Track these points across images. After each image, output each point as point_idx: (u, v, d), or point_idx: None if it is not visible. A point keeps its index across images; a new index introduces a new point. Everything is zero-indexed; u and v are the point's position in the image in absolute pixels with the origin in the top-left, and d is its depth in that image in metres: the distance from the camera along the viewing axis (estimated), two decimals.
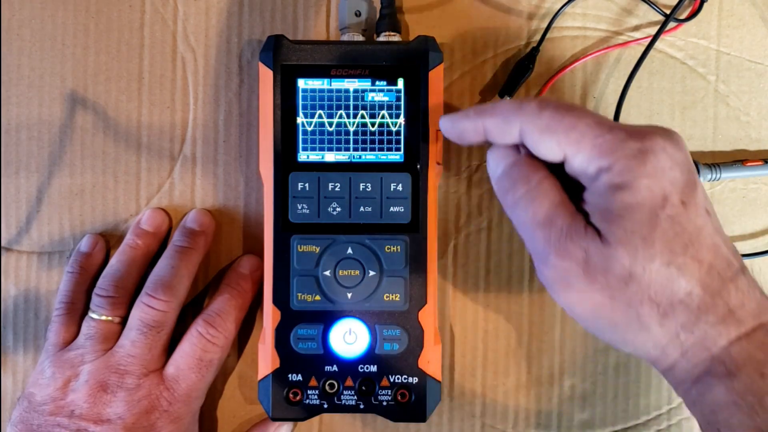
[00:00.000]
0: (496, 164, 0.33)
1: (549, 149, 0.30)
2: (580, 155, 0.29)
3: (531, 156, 0.32)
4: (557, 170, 0.31)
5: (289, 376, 0.37)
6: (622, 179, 0.28)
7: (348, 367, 0.37)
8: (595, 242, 0.29)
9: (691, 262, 0.28)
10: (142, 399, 0.35)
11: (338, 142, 0.37)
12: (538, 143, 0.30)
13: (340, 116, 0.37)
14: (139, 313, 0.36)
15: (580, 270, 0.29)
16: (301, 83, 0.36)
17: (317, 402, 0.37)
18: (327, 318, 0.37)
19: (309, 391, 0.37)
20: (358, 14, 0.39)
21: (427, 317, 0.37)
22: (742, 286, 0.29)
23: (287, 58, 0.36)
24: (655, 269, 0.28)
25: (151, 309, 0.36)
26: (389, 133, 0.37)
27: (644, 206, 0.28)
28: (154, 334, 0.36)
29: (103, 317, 0.37)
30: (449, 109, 0.40)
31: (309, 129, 0.37)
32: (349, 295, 0.37)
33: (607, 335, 0.30)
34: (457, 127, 0.33)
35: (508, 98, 0.39)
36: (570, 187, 0.31)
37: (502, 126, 0.31)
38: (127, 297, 0.38)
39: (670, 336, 0.29)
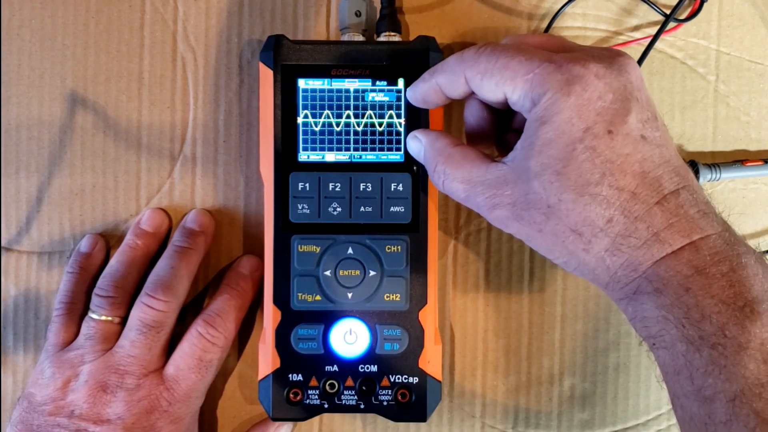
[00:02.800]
0: (416, 150, 0.35)
1: (490, 91, 0.31)
2: (516, 93, 0.30)
3: (435, 136, 0.34)
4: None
5: (290, 376, 0.37)
6: (545, 113, 0.29)
7: (348, 367, 0.37)
8: (516, 184, 0.30)
9: (610, 190, 0.29)
10: (142, 399, 0.35)
11: (338, 142, 0.37)
12: (480, 88, 0.31)
13: (341, 116, 0.37)
14: (138, 313, 0.36)
15: (510, 214, 0.31)
16: (302, 83, 0.36)
17: (317, 402, 0.37)
18: (327, 318, 0.37)
19: (309, 391, 0.37)
20: (358, 14, 0.39)
21: (428, 317, 0.37)
22: (671, 207, 0.29)
23: (287, 58, 0.36)
24: (570, 200, 0.29)
25: (150, 309, 0.36)
26: (389, 133, 0.37)
27: (561, 139, 0.29)
28: (153, 334, 0.36)
29: (103, 317, 0.37)
30: (449, 109, 0.40)
31: (309, 129, 0.37)
32: (350, 295, 0.37)
33: (551, 258, 0.32)
34: (417, 92, 0.35)
35: None
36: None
37: (452, 78, 0.32)
38: (126, 297, 0.38)
39: (597, 260, 0.30)
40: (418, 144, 0.35)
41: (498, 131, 0.35)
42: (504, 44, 0.31)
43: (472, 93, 0.33)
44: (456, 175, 0.32)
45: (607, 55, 0.30)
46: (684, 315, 0.28)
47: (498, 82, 0.30)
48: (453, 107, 0.40)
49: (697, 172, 0.39)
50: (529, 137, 0.30)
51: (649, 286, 0.29)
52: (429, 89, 0.34)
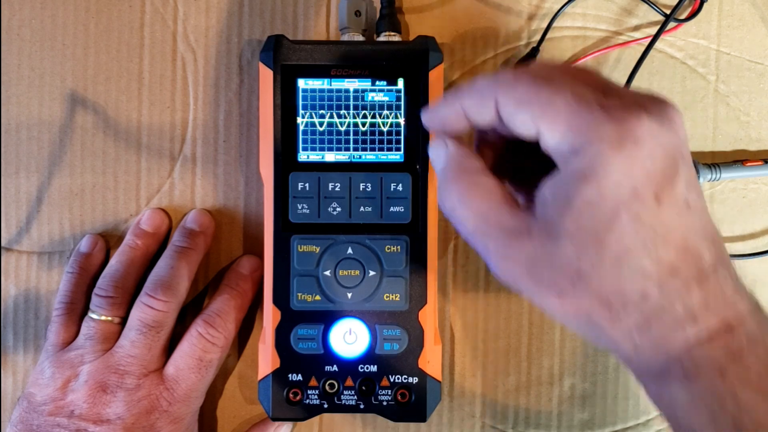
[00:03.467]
0: (437, 156, 0.30)
1: (523, 123, 0.27)
2: (555, 133, 0.26)
3: (465, 153, 0.30)
4: (531, 149, 0.29)
5: (289, 376, 0.37)
6: (590, 168, 0.25)
7: (348, 367, 0.37)
8: (540, 240, 0.26)
9: (650, 263, 0.26)
10: (141, 399, 0.35)
11: (338, 142, 0.37)
12: (513, 116, 0.27)
13: (341, 116, 0.37)
14: (138, 313, 0.36)
15: (524, 271, 0.27)
16: (301, 83, 0.36)
17: (317, 402, 0.37)
18: (327, 318, 0.37)
19: (309, 391, 0.37)
20: (358, 14, 0.39)
21: (427, 317, 0.37)
22: (710, 285, 0.26)
23: (287, 58, 0.36)
24: (606, 269, 0.26)
25: (150, 309, 0.36)
26: (389, 133, 0.37)
27: (606, 202, 0.25)
28: (153, 334, 0.36)
29: (103, 317, 0.37)
30: None
31: (309, 129, 0.37)
32: (350, 295, 0.37)
33: (565, 324, 0.28)
34: (437, 116, 0.31)
35: None
36: (543, 166, 0.28)
37: (481, 102, 0.28)
38: (126, 297, 0.38)
39: (623, 336, 0.27)
40: (442, 151, 0.30)
41: (509, 162, 0.32)
42: (544, 72, 0.27)
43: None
44: (471, 205, 0.28)
45: (657, 107, 0.26)
46: (718, 404, 0.25)
47: (535, 117, 0.26)
48: None
49: (697, 172, 0.39)
50: (565, 192, 0.26)
51: (680, 371, 0.26)
52: (452, 113, 0.30)
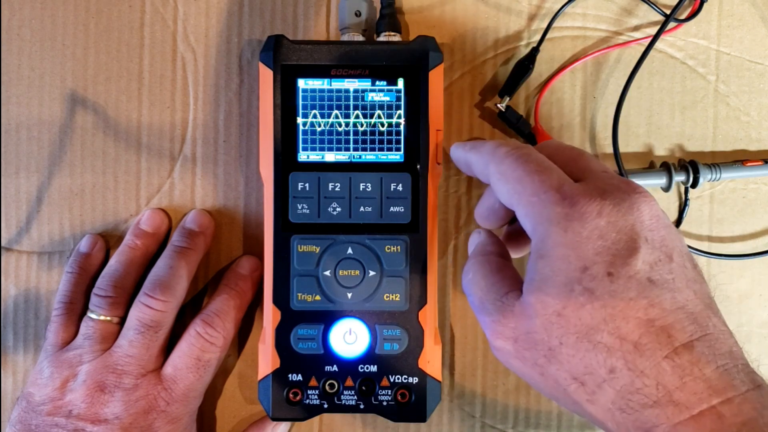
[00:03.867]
0: (471, 243, 0.34)
1: (503, 197, 0.30)
2: (519, 211, 0.29)
3: (494, 238, 0.33)
4: None
5: (289, 376, 0.37)
6: (542, 246, 0.28)
7: (348, 367, 0.37)
8: (521, 318, 0.28)
9: (611, 338, 0.26)
10: (139, 399, 0.35)
11: (338, 142, 0.37)
12: (496, 188, 0.30)
13: (340, 116, 0.37)
14: (137, 313, 0.36)
15: (512, 349, 0.29)
16: (301, 83, 0.36)
17: (317, 402, 0.37)
18: (327, 318, 0.37)
19: (309, 391, 0.37)
20: (358, 14, 0.39)
21: (427, 317, 0.37)
22: (683, 363, 0.25)
23: (287, 58, 0.36)
24: (570, 346, 0.26)
25: (149, 309, 0.36)
26: (389, 133, 0.37)
27: (558, 277, 0.27)
28: (151, 334, 0.36)
29: (102, 317, 0.37)
30: (449, 109, 0.40)
31: (309, 129, 0.37)
32: (349, 295, 0.37)
33: (558, 404, 0.30)
34: (455, 155, 0.35)
35: (508, 98, 0.39)
36: None
37: (480, 164, 0.32)
38: (125, 297, 0.38)
39: (604, 414, 0.27)
40: (475, 238, 0.34)
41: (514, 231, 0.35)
42: (534, 153, 0.30)
43: None
44: (477, 281, 0.31)
45: (621, 190, 0.28)
46: None
47: (509, 192, 0.29)
48: (453, 110, 0.40)
49: (697, 172, 0.39)
50: (530, 270, 0.28)
51: None
52: (463, 159, 0.34)
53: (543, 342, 0.27)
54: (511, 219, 0.34)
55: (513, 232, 0.35)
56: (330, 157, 0.37)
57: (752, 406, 0.25)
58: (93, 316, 0.37)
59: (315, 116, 0.36)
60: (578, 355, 0.26)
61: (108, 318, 0.37)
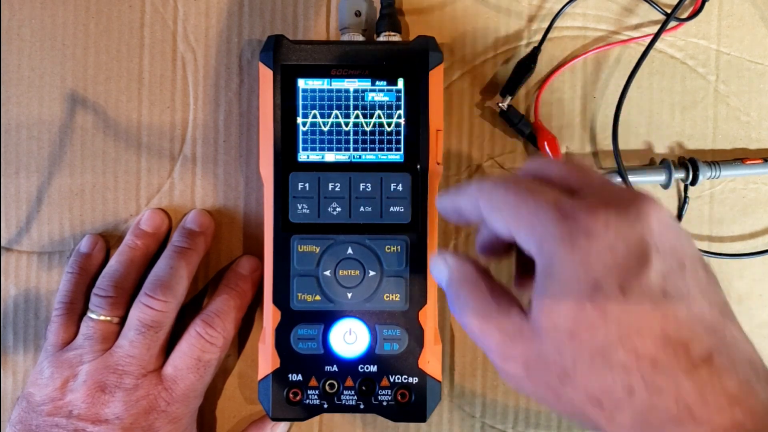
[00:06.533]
0: (439, 273, 0.32)
1: (499, 227, 0.29)
2: (521, 236, 0.28)
3: (462, 261, 0.31)
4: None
5: (289, 376, 0.37)
6: (549, 266, 0.26)
7: (348, 367, 0.37)
8: (531, 340, 0.27)
9: (626, 356, 0.25)
10: (140, 399, 0.35)
11: (338, 142, 0.37)
12: (491, 222, 0.29)
13: (340, 116, 0.37)
14: (137, 313, 0.36)
15: (524, 373, 0.27)
16: (301, 83, 0.36)
17: (317, 402, 0.37)
18: (327, 318, 0.37)
19: (309, 391, 0.37)
20: (358, 14, 0.39)
21: (427, 317, 0.37)
22: (703, 378, 0.24)
23: (287, 58, 0.36)
24: (585, 366, 0.25)
25: (149, 309, 0.36)
26: (389, 133, 0.37)
27: (568, 297, 0.26)
28: (152, 334, 0.36)
29: (102, 317, 0.37)
30: (449, 109, 0.40)
31: (309, 129, 0.37)
32: (349, 295, 0.37)
33: (577, 425, 0.28)
34: (441, 205, 0.33)
35: (510, 97, 0.39)
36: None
37: (469, 203, 0.30)
38: (125, 297, 0.38)
39: None
40: (443, 266, 0.31)
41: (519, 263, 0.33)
42: (521, 178, 0.29)
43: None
44: (474, 307, 0.29)
45: (625, 199, 0.27)
46: None
47: (506, 220, 0.28)
48: (453, 110, 0.40)
49: (696, 170, 0.39)
50: (538, 290, 0.27)
51: None
52: (450, 207, 0.32)
53: (556, 363, 0.26)
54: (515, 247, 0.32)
55: (523, 262, 0.33)
56: (330, 157, 0.37)
57: None
58: (93, 316, 0.37)
59: (315, 116, 0.36)
60: (594, 376, 0.25)
61: (108, 318, 0.37)
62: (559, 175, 0.30)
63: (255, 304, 0.40)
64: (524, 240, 0.28)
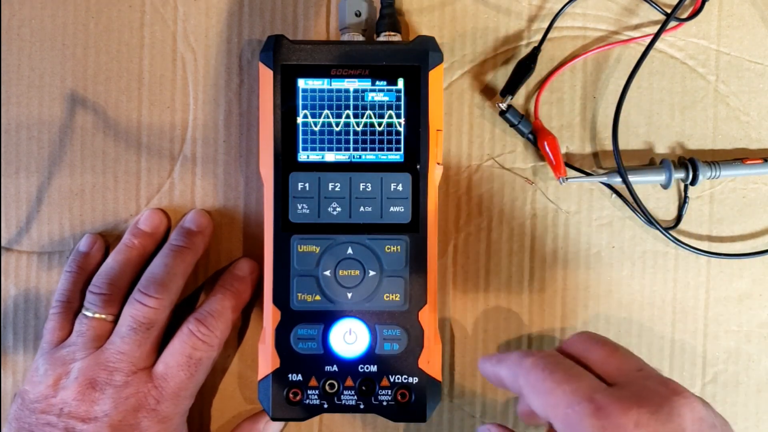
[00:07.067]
0: None
1: (538, 409, 0.30)
2: (555, 423, 0.29)
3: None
4: None
5: (289, 376, 0.37)
6: None
7: (348, 367, 0.37)
8: None
9: None
10: (129, 397, 0.35)
11: (338, 142, 0.37)
12: (529, 401, 0.30)
13: (340, 116, 0.37)
14: (130, 310, 0.36)
15: None
16: (301, 83, 0.36)
17: (317, 402, 0.37)
18: (327, 318, 0.37)
19: (309, 391, 0.37)
20: (358, 14, 0.39)
21: (427, 317, 0.37)
22: None
23: (287, 58, 0.36)
24: None
25: (142, 306, 0.36)
26: (389, 133, 0.37)
27: None
28: (144, 331, 0.36)
29: (96, 315, 0.37)
30: (449, 109, 0.40)
31: (309, 129, 0.37)
32: (349, 295, 0.37)
33: None
34: (485, 371, 0.34)
35: (510, 97, 0.39)
36: None
37: (510, 377, 0.32)
38: (120, 295, 0.38)
39: None
40: None
41: None
42: (561, 358, 0.31)
43: None
44: None
45: (659, 395, 0.28)
46: None
47: (542, 405, 0.29)
48: (453, 110, 0.40)
49: (696, 170, 0.39)
50: None
51: None
52: (492, 374, 0.34)
53: None
54: None
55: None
56: (330, 157, 0.37)
57: None
58: (87, 313, 0.37)
59: (315, 116, 0.36)
60: None
61: (102, 316, 0.37)
62: (599, 360, 0.31)
63: (254, 305, 0.40)
64: (558, 427, 0.29)
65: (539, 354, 0.31)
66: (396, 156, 0.37)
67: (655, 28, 0.39)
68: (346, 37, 0.38)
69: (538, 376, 0.30)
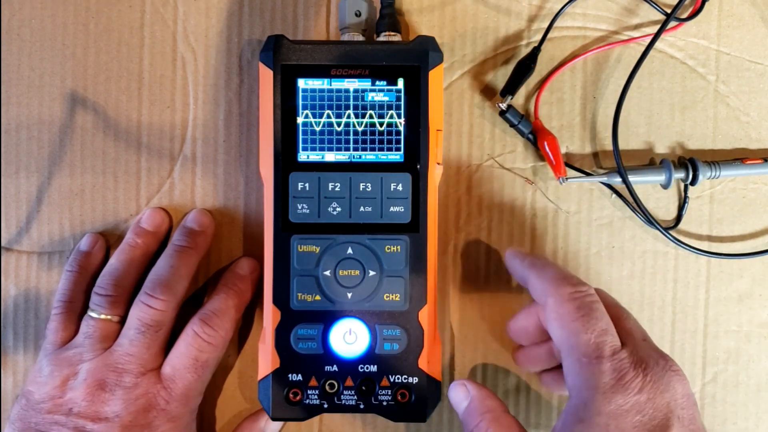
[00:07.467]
0: (458, 400, 0.35)
1: (555, 338, 0.32)
2: (566, 362, 0.31)
3: (486, 394, 0.34)
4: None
5: (289, 376, 0.37)
6: (583, 411, 0.29)
7: (348, 367, 0.37)
8: None
9: None
10: (139, 397, 0.35)
11: (338, 142, 0.37)
12: (549, 326, 0.32)
13: (340, 116, 0.37)
14: (137, 312, 0.36)
15: None
16: (301, 83, 0.36)
17: (317, 402, 0.37)
18: (327, 318, 0.37)
19: (309, 391, 0.37)
20: (358, 14, 0.39)
21: (427, 317, 0.37)
22: None
23: (287, 58, 0.36)
24: None
25: (149, 308, 0.36)
26: (389, 133, 0.37)
27: None
28: (152, 333, 0.36)
29: (102, 316, 0.37)
30: (449, 109, 0.40)
31: (309, 129, 0.37)
32: (349, 295, 0.37)
33: None
34: (512, 265, 0.37)
35: (510, 97, 0.39)
36: None
37: (541, 293, 0.33)
38: (126, 296, 0.38)
39: None
40: (464, 393, 0.35)
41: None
42: (598, 306, 0.32)
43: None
44: None
45: (660, 366, 0.31)
46: None
47: (564, 339, 0.31)
48: (453, 110, 0.40)
49: (696, 170, 0.39)
50: (565, 428, 0.30)
51: None
52: (519, 275, 0.36)
53: None
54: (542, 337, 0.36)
55: (553, 375, 0.38)
56: (330, 157, 0.37)
57: None
58: (93, 315, 0.37)
59: (315, 116, 0.36)
60: None
61: (108, 317, 0.37)
62: (613, 316, 0.33)
63: (255, 304, 0.40)
64: (568, 369, 0.31)
65: (577, 283, 0.32)
66: (396, 156, 0.37)
67: (655, 28, 0.39)
68: (346, 37, 0.38)
69: (571, 312, 0.31)
